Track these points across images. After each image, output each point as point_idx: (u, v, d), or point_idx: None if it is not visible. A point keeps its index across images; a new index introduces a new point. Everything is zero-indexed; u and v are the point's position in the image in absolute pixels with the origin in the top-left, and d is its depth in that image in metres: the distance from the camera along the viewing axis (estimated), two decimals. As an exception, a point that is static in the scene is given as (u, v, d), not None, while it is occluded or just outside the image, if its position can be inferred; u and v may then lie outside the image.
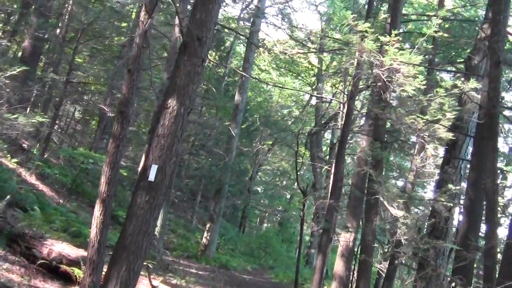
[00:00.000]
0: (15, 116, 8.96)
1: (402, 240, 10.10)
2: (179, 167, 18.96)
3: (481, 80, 9.71)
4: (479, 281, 10.28)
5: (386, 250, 11.65)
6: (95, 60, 17.47)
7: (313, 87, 25.07)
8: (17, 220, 8.68)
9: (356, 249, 12.42)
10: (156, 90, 13.11)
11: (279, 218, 35.13)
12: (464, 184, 11.01)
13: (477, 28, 12.86)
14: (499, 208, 9.75)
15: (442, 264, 10.51)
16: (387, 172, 15.47)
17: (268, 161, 32.50)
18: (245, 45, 21.37)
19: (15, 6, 16.68)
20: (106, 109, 16.09)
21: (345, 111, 13.15)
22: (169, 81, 5.62)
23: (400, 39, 9.58)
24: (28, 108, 14.71)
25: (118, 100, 6.85)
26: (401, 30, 12.34)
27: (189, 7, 12.56)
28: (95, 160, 13.88)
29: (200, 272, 14.49)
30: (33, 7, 14.35)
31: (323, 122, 21.25)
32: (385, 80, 9.23)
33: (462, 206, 10.66)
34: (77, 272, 7.51)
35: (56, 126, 21.46)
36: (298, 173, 16.76)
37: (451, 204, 10.46)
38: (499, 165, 14.24)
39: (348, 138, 15.38)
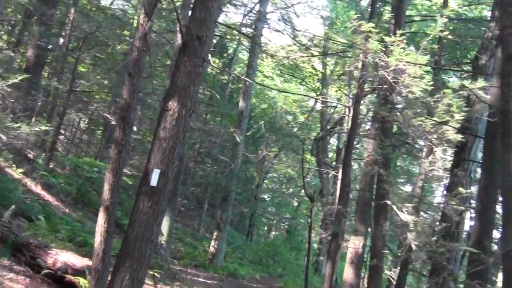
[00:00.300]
0: (18, 125, 8.88)
1: (413, 246, 9.90)
2: (184, 175, 18.88)
3: (490, 79, 9.53)
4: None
5: (398, 254, 11.43)
6: (98, 68, 17.45)
7: (318, 93, 24.95)
8: (22, 230, 8.60)
9: (365, 256, 12.23)
10: (159, 97, 13.04)
11: (287, 226, 34.94)
12: (474, 187, 10.81)
13: (483, 28, 12.73)
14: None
15: (454, 270, 10.29)
16: (395, 177, 15.30)
17: (274, 168, 32.37)
18: (248, 51, 21.29)
19: (18, 16, 16.71)
20: (110, 118, 16.04)
21: (351, 115, 13.04)
22: (170, 83, 5.49)
23: (405, 39, 9.45)
24: (34, 118, 14.68)
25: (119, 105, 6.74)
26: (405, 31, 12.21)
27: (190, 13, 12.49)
28: (100, 168, 13.81)
29: (208, 281, 14.33)
30: (35, 16, 14.34)
31: (328, 127, 21.12)
32: (391, 81, 9.08)
33: (473, 210, 10.45)
34: (83, 282, 7.37)
35: (62, 136, 21.46)
36: (305, 179, 16.60)
37: (462, 208, 10.25)
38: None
39: (355, 142, 15.27)
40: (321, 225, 21.40)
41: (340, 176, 12.69)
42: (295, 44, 17.82)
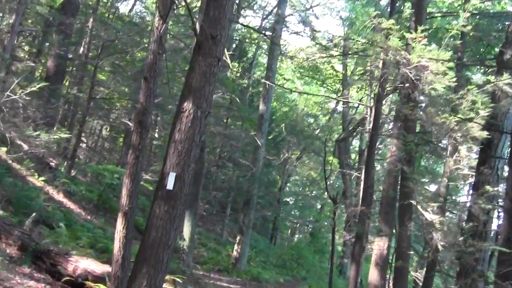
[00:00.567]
0: (37, 132, 8.92)
1: (439, 246, 9.64)
2: (206, 179, 18.84)
3: (516, 74, 9.25)
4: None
5: (425, 255, 11.16)
6: (118, 76, 17.52)
7: (339, 94, 24.72)
8: (42, 237, 8.62)
9: (390, 257, 11.99)
10: (177, 102, 13.00)
11: (310, 229, 34.67)
12: (502, 185, 10.49)
13: (506, 23, 12.39)
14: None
15: (483, 270, 9.99)
16: (419, 177, 15.01)
17: (297, 171, 32.19)
18: (268, 54, 21.21)
19: (38, 27, 16.91)
20: (131, 124, 16.07)
21: (372, 115, 12.81)
22: (184, 83, 5.37)
23: (426, 36, 9.22)
24: (55, 126, 14.80)
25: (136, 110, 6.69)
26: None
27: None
28: (120, 175, 13.80)
29: (231, 286, 14.25)
30: (55, 26, 14.49)
31: (350, 128, 20.87)
32: (413, 79, 8.86)
33: (501, 208, 10.15)
34: (103, 288, 7.33)
35: (84, 144, 21.64)
36: (328, 181, 16.41)
37: (490, 207, 9.94)
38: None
39: (377, 143, 15.03)
40: (344, 227, 21.14)
41: (363, 177, 12.47)
42: (314, 45, 17.67)
